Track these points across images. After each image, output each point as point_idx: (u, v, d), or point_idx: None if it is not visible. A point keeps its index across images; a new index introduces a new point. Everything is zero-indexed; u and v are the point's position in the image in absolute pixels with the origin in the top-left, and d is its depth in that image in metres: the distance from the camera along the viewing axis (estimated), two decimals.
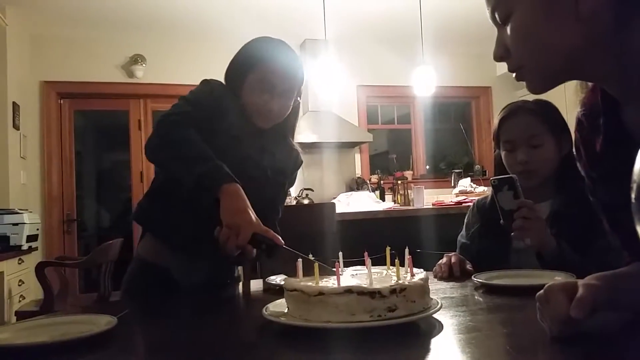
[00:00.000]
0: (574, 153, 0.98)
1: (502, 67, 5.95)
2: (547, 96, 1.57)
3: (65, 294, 3.60)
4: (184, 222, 1.38)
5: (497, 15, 0.82)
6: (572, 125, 1.52)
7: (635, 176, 0.45)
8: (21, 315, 3.12)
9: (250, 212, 1.19)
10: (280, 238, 1.20)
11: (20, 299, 3.62)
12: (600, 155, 0.85)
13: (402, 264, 0.94)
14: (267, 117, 1.43)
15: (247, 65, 1.42)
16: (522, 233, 1.33)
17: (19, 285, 3.63)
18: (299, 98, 1.49)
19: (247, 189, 1.36)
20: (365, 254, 0.93)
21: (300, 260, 0.97)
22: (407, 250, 0.96)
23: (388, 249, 0.98)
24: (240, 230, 1.14)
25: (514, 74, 0.83)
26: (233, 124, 1.39)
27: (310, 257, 1.04)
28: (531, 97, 1.61)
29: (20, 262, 3.68)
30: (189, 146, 1.27)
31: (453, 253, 1.51)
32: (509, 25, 0.79)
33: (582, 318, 0.69)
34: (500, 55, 0.83)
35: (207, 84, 1.43)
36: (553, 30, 0.75)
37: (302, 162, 1.62)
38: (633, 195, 0.45)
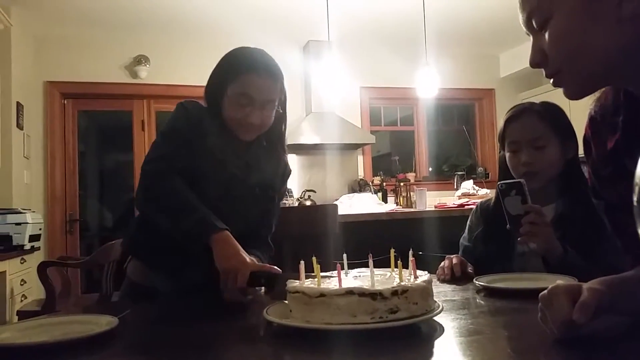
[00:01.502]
0: (583, 149, 0.97)
1: (506, 69, 5.94)
2: (554, 100, 1.58)
3: (67, 294, 3.60)
4: (173, 253, 1.37)
5: (534, 21, 0.81)
6: (577, 127, 1.52)
7: (637, 178, 0.45)
8: (23, 315, 3.12)
9: (242, 254, 1.21)
10: (276, 267, 1.22)
11: (22, 299, 3.63)
12: (612, 153, 0.84)
13: (405, 266, 0.94)
14: (248, 130, 1.41)
15: (226, 78, 1.40)
16: (530, 238, 1.32)
17: (21, 284, 3.63)
18: (280, 109, 1.47)
19: (236, 208, 1.39)
20: (370, 255, 0.92)
21: (302, 262, 0.97)
22: (410, 252, 0.96)
23: (392, 250, 0.98)
24: (238, 273, 1.16)
25: (551, 80, 0.82)
26: (215, 146, 1.39)
27: (313, 260, 1.04)
28: (535, 99, 1.61)
29: (22, 261, 3.69)
30: (173, 199, 1.30)
31: (455, 255, 1.50)
32: (548, 30, 0.79)
33: (585, 322, 0.69)
34: (538, 61, 0.83)
35: (183, 109, 1.42)
36: (594, 33, 0.75)
37: (290, 172, 1.61)
38: (635, 198, 0.45)
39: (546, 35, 0.79)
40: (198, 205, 1.28)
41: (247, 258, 1.21)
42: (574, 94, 0.82)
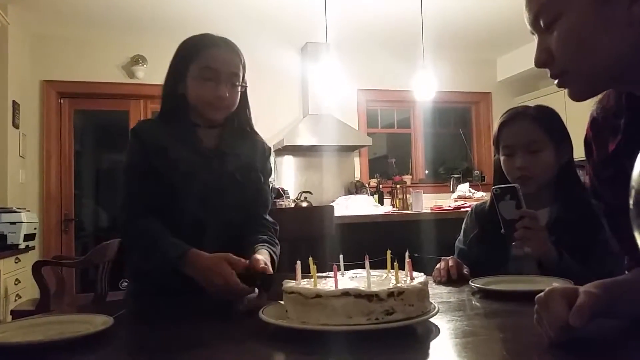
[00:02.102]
0: (584, 150, 0.97)
1: (503, 72, 5.96)
2: (550, 104, 1.58)
3: (61, 294, 3.59)
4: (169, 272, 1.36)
5: (541, 20, 0.81)
6: (572, 131, 1.53)
7: (634, 182, 0.45)
8: (17, 314, 3.10)
9: (215, 270, 1.17)
10: (269, 267, 1.21)
11: (17, 298, 3.61)
12: (614, 155, 0.85)
13: (401, 268, 0.94)
14: (219, 107, 1.40)
15: (188, 58, 1.40)
16: (524, 243, 1.33)
17: (16, 284, 3.62)
18: (245, 84, 1.46)
19: (225, 201, 1.39)
20: (366, 257, 0.93)
21: (299, 262, 0.97)
22: (407, 253, 0.96)
23: (388, 252, 0.98)
24: (228, 291, 1.16)
25: (555, 81, 0.82)
26: (179, 159, 1.38)
27: (310, 260, 1.04)
28: (532, 103, 1.62)
29: (17, 261, 3.67)
30: (140, 242, 1.34)
31: (450, 257, 1.50)
32: (556, 30, 0.79)
33: (580, 326, 0.69)
34: (544, 60, 0.82)
35: (132, 133, 1.42)
36: (603, 34, 0.75)
37: (270, 149, 1.59)
38: (631, 201, 0.45)
39: (554, 35, 0.79)
40: (160, 241, 1.28)
41: (222, 273, 1.16)
42: (578, 96, 0.82)
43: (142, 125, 1.45)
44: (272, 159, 1.60)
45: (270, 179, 1.59)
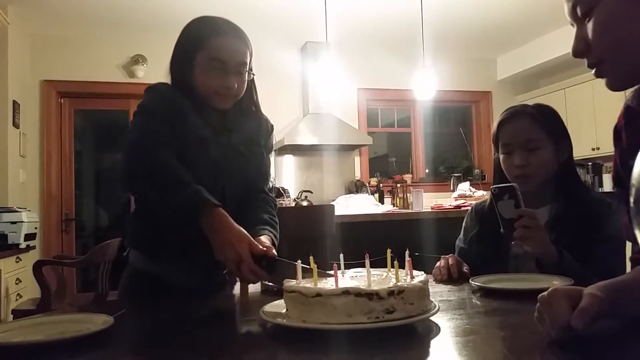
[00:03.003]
0: (612, 138, 0.98)
1: (503, 71, 5.95)
2: (550, 103, 1.58)
3: (62, 293, 3.59)
4: (173, 239, 1.36)
5: (578, 9, 0.81)
6: (572, 130, 1.53)
7: (634, 180, 0.45)
8: (18, 314, 3.11)
9: (235, 242, 1.17)
10: (273, 249, 1.21)
11: (17, 298, 3.62)
12: None
13: (401, 267, 0.94)
14: (226, 97, 1.39)
15: (193, 46, 1.37)
16: (523, 242, 1.33)
17: (16, 283, 3.62)
18: (252, 72, 1.44)
19: (228, 172, 1.38)
20: (366, 255, 0.93)
21: (299, 261, 0.97)
22: (407, 252, 0.96)
23: (389, 251, 0.98)
24: (238, 266, 1.15)
25: (593, 70, 0.82)
26: (195, 124, 1.36)
27: (310, 259, 1.04)
28: (532, 102, 1.62)
29: (17, 260, 3.68)
30: (161, 173, 1.25)
31: (450, 255, 1.50)
32: (592, 19, 0.79)
33: (582, 328, 0.69)
34: (581, 50, 0.83)
35: (155, 91, 1.38)
36: (638, 23, 0.74)
37: (272, 126, 1.57)
38: (632, 199, 0.45)
39: (590, 24, 0.80)
40: (189, 179, 1.24)
41: (242, 245, 1.17)
42: (615, 85, 0.82)
43: (164, 87, 1.40)
44: (274, 134, 1.59)
45: (270, 179, 1.60)
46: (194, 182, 1.24)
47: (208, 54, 1.35)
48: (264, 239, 1.29)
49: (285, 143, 4.87)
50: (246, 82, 1.42)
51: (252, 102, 1.51)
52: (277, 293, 1.01)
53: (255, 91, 1.51)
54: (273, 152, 1.61)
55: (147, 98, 1.39)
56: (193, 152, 1.34)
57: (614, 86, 0.83)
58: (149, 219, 1.38)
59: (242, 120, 1.47)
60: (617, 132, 0.96)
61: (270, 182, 1.57)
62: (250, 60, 1.43)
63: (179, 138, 1.33)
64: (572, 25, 0.85)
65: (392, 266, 0.95)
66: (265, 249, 1.20)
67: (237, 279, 1.23)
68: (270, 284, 1.32)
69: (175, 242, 1.35)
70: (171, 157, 1.27)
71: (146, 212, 1.41)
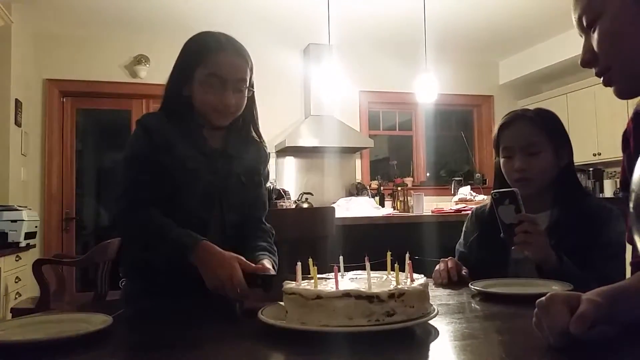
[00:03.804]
0: (621, 143, 0.98)
1: (505, 76, 5.94)
2: (551, 107, 1.58)
3: (61, 292, 3.59)
4: (164, 274, 1.35)
5: (584, 20, 0.82)
6: (574, 135, 1.53)
7: (634, 185, 0.45)
8: (17, 313, 3.11)
9: (226, 266, 1.17)
10: (270, 268, 1.22)
11: (17, 296, 3.62)
12: None
13: (402, 269, 0.94)
14: (225, 114, 1.38)
15: (193, 61, 1.37)
16: (524, 247, 1.32)
17: (16, 282, 3.62)
18: (252, 88, 1.44)
19: (227, 201, 1.38)
20: (366, 258, 0.92)
21: (299, 263, 0.97)
22: (407, 255, 0.96)
23: (389, 253, 0.98)
24: (232, 287, 1.15)
25: (601, 79, 0.83)
26: (184, 154, 1.36)
27: (309, 262, 1.04)
28: (534, 106, 1.62)
29: (17, 259, 3.68)
30: (145, 232, 1.30)
31: (449, 258, 1.50)
32: (597, 28, 0.80)
33: (581, 334, 0.69)
34: (587, 60, 0.84)
35: (139, 126, 1.37)
36: None
37: (269, 155, 1.58)
38: (631, 205, 0.45)
39: (595, 35, 0.81)
40: (168, 231, 1.26)
41: (231, 267, 1.17)
42: (623, 93, 0.83)
43: (150, 119, 1.40)
44: (270, 162, 1.60)
45: (270, 181, 1.59)
46: (175, 230, 1.26)
47: (207, 69, 1.35)
48: (265, 262, 1.29)
49: (286, 145, 4.87)
50: (245, 98, 1.41)
51: (253, 121, 1.50)
52: (277, 297, 1.01)
53: (256, 109, 1.50)
54: (274, 155, 1.62)
55: (134, 140, 1.38)
56: (184, 184, 1.35)
57: (621, 94, 0.83)
58: (140, 255, 1.40)
59: (243, 147, 1.47)
60: (625, 138, 0.97)
61: (271, 184, 1.58)
62: (251, 76, 1.42)
63: (167, 169, 1.33)
64: (581, 36, 0.86)
65: (392, 269, 0.95)
66: (255, 266, 1.21)
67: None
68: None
69: (167, 276, 1.35)
70: (152, 214, 1.30)
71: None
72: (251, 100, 1.46)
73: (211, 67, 1.35)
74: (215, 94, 1.35)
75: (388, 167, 5.98)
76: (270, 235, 1.50)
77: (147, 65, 4.99)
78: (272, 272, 1.22)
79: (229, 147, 1.44)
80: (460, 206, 4.28)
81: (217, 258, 1.20)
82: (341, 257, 1.00)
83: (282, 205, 4.29)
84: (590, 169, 5.41)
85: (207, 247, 1.23)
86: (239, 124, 1.47)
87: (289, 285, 0.91)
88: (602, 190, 5.40)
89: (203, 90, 1.36)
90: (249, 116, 1.48)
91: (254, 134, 1.52)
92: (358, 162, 5.72)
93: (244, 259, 1.21)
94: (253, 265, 1.21)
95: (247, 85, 1.40)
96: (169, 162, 1.34)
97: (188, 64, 1.39)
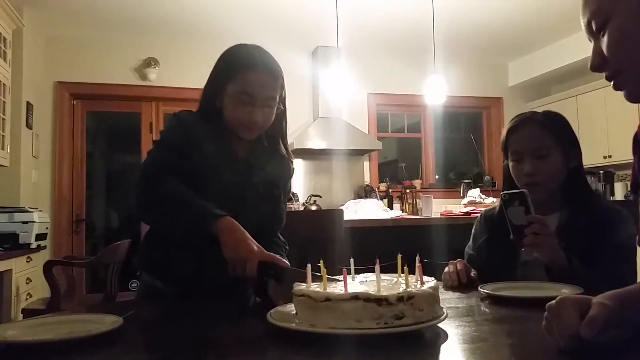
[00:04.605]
0: (632, 146, 0.98)
1: (514, 78, 5.92)
2: (561, 110, 1.57)
3: (72, 293, 3.62)
4: (184, 262, 1.38)
5: (593, 24, 0.82)
6: (583, 137, 1.52)
7: None
8: (28, 313, 3.13)
9: (250, 242, 1.21)
10: (285, 261, 1.23)
11: (28, 297, 3.64)
12: None
13: (412, 272, 0.93)
14: (251, 129, 1.41)
15: (225, 77, 1.40)
16: (533, 249, 1.32)
17: (27, 283, 3.65)
18: (282, 105, 1.46)
19: (243, 209, 1.39)
20: (377, 260, 0.92)
21: (309, 265, 0.97)
22: (417, 258, 0.96)
23: (399, 256, 0.98)
24: (246, 263, 1.18)
25: (612, 83, 0.83)
26: (210, 153, 1.38)
27: (321, 263, 1.04)
28: (544, 109, 1.61)
29: (28, 260, 3.71)
30: (169, 198, 1.31)
31: (458, 260, 1.50)
32: (607, 32, 0.80)
33: (591, 337, 0.69)
34: (597, 64, 0.84)
35: (175, 118, 1.42)
36: None
37: (293, 170, 1.59)
38: None
39: (605, 39, 0.81)
40: (195, 198, 1.28)
41: (255, 246, 1.21)
42: (633, 97, 0.83)
43: (186, 114, 1.43)
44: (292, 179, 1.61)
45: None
46: (200, 199, 1.27)
47: (238, 86, 1.37)
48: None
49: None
50: (274, 115, 1.43)
51: (280, 134, 1.52)
52: (288, 290, 1.00)
53: (286, 123, 1.52)
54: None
55: (167, 127, 1.44)
56: (207, 180, 1.37)
57: (632, 98, 0.83)
58: (160, 246, 1.42)
59: (266, 159, 1.48)
60: (636, 140, 0.96)
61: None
62: (282, 92, 1.44)
63: (195, 165, 1.36)
64: (590, 40, 0.86)
65: (403, 271, 0.95)
66: (273, 255, 1.23)
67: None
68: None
69: (185, 269, 1.38)
70: (178, 183, 1.31)
71: (157, 240, 1.44)
72: (282, 115, 1.48)
73: (242, 84, 1.37)
74: (244, 110, 1.38)
75: (396, 169, 5.96)
76: (283, 249, 1.51)
77: (157, 68, 5.02)
78: (284, 261, 1.24)
79: (252, 157, 1.46)
80: (469, 209, 4.26)
81: (243, 233, 1.23)
82: (352, 260, 1.00)
83: (291, 207, 4.29)
84: (601, 171, 5.37)
85: (233, 222, 1.24)
86: (266, 137, 1.48)
87: (299, 287, 0.91)
88: (612, 193, 5.35)
89: (233, 106, 1.39)
90: (278, 130, 1.50)
91: (282, 147, 1.53)
92: (366, 164, 5.72)
93: (266, 252, 1.23)
94: (271, 254, 1.24)
95: (277, 101, 1.43)
96: (195, 157, 1.37)
97: (220, 78, 1.41)
